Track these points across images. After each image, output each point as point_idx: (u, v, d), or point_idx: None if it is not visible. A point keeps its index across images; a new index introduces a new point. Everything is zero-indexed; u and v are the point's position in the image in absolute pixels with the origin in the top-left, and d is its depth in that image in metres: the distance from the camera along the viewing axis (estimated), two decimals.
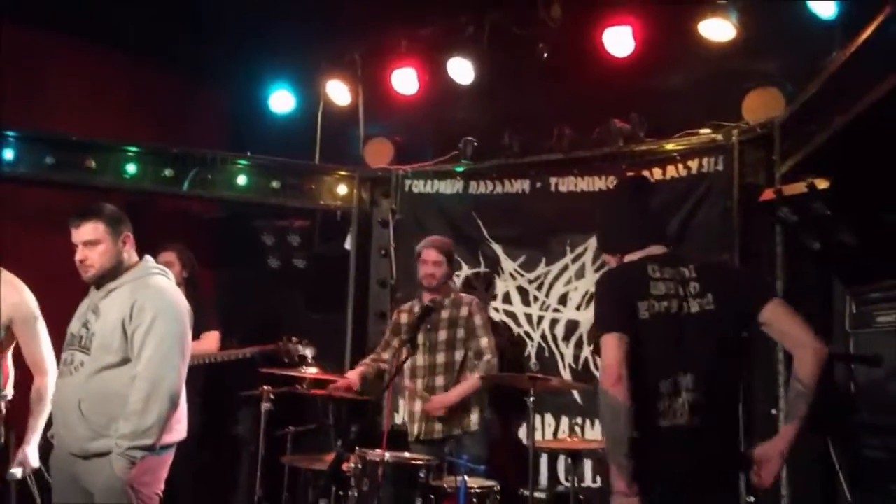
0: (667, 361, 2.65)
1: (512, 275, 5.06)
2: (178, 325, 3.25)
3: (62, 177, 4.94)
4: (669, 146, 4.66)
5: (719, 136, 4.53)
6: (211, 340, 4.87)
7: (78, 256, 3.30)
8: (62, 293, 4.09)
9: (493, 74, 5.03)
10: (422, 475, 3.80)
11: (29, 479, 3.62)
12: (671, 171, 4.65)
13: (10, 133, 4.79)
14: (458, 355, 4.43)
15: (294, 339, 4.65)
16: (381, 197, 5.56)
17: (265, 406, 4.39)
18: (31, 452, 3.61)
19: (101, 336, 3.20)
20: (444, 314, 4.47)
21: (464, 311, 4.46)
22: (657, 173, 4.69)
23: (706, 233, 4.51)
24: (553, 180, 4.96)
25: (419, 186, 5.40)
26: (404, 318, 4.63)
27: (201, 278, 5.08)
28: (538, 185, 5.01)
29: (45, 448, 3.56)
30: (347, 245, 5.54)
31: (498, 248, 5.10)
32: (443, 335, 4.47)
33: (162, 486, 3.30)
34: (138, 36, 5.34)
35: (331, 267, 5.55)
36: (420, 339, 4.41)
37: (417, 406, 4.50)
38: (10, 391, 3.71)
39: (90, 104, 5.40)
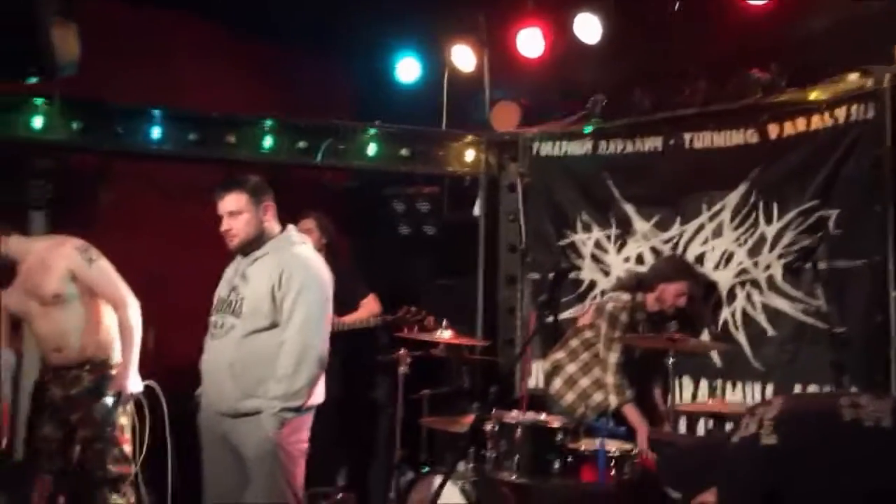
0: None
1: (645, 235, 4.94)
2: (324, 293, 3.40)
3: (204, 152, 5.16)
4: (813, 95, 4.40)
5: (869, 82, 4.23)
6: (371, 304, 5.00)
7: (223, 226, 3.46)
8: (206, 262, 4.32)
9: (622, 29, 4.88)
10: (559, 437, 3.80)
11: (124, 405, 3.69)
12: (816, 121, 4.39)
13: (157, 111, 5.03)
14: None
15: (414, 309, 4.71)
16: (509, 161, 5.54)
17: (402, 370, 4.48)
18: (127, 380, 3.66)
19: (251, 301, 3.36)
20: None
21: None
22: (800, 124, 4.44)
23: (855, 186, 4.24)
24: (687, 136, 4.78)
25: (547, 149, 5.34)
26: (624, 317, 4.33)
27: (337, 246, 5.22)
28: (671, 141, 4.85)
29: (193, 407, 3.76)
30: (476, 211, 5.56)
31: (630, 209, 4.99)
32: None
33: (306, 444, 3.45)
34: (266, 12, 5.49)
35: (460, 233, 5.59)
36: None
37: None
38: (116, 355, 3.81)
39: (224, 81, 5.61)
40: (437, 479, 4.01)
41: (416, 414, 4.58)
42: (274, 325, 3.35)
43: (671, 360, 3.88)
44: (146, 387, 3.77)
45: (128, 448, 3.74)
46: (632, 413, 4.18)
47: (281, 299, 3.33)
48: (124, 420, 3.73)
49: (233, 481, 3.37)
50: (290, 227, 3.59)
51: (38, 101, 4.77)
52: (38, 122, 4.81)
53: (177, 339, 4.48)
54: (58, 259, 3.69)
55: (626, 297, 4.39)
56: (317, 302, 3.35)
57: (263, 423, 3.26)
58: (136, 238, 5.17)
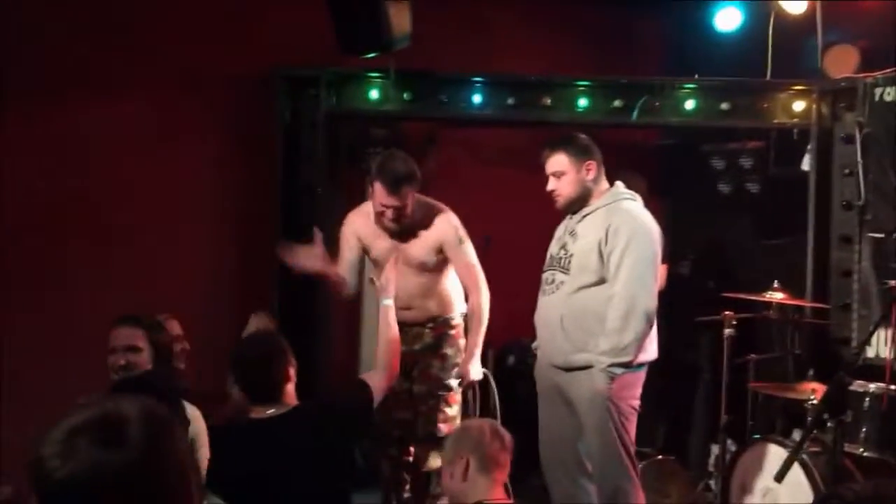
0: None
1: None
2: (651, 247, 3.35)
3: (521, 115, 5.28)
4: None
5: None
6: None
7: (548, 187, 3.54)
8: (526, 223, 4.44)
9: None
10: None
11: (472, 390, 3.78)
12: None
13: (477, 79, 5.24)
14: None
15: None
16: (844, 111, 5.04)
17: (728, 332, 4.30)
18: (471, 366, 3.74)
19: (579, 257, 3.41)
20: None
21: None
22: None
23: None
24: None
25: (892, 94, 4.79)
26: None
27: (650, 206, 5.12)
28: None
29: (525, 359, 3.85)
30: (805, 165, 5.14)
31: None
32: None
33: (638, 402, 3.44)
34: None
35: (786, 190, 5.22)
36: None
37: None
38: (456, 315, 3.87)
39: (536, 43, 5.71)
40: (769, 447, 3.84)
41: (739, 379, 4.39)
42: (602, 281, 3.38)
43: None
44: (483, 374, 3.83)
45: (457, 409, 3.78)
46: None
47: (608, 254, 3.35)
48: (454, 382, 3.79)
49: (566, 430, 3.47)
50: (619, 183, 3.59)
51: (374, 74, 5.17)
52: (374, 94, 5.21)
53: (501, 297, 4.69)
54: (434, 231, 3.77)
55: None
56: (644, 257, 3.32)
57: (594, 377, 3.31)
58: (461, 201, 5.46)
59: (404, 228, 3.75)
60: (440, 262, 3.80)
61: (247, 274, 5.16)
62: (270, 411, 2.73)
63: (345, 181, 5.42)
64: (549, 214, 3.78)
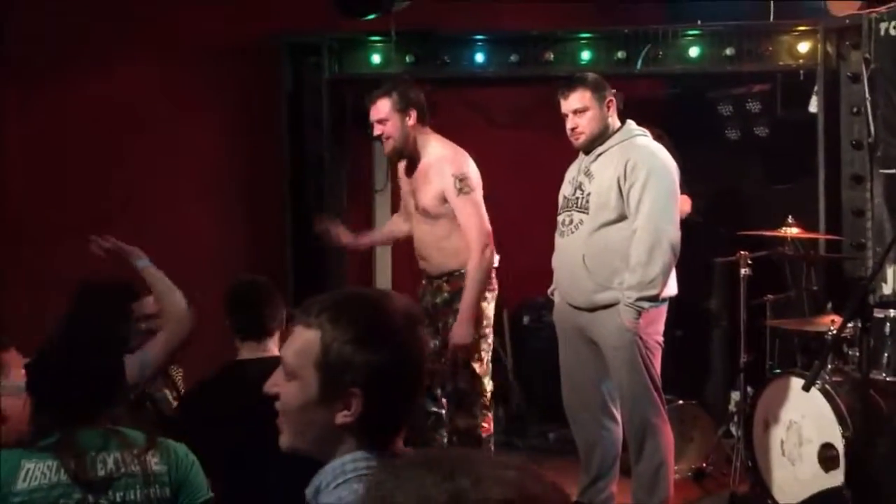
0: None
1: None
2: (671, 179, 3.35)
3: (525, 72, 5.25)
4: None
5: None
6: (684, 202, 4.86)
7: (569, 125, 3.51)
8: (535, 178, 4.41)
9: None
10: None
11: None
12: None
13: (479, 37, 5.21)
14: None
15: None
16: (850, 49, 5.01)
17: (744, 271, 4.29)
18: (459, 329, 3.56)
19: (598, 195, 3.41)
20: None
21: None
22: None
23: None
24: None
25: None
26: None
27: None
28: None
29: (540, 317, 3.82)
30: (812, 107, 5.12)
31: None
32: None
33: (661, 337, 3.45)
34: None
35: (794, 132, 5.20)
36: None
37: None
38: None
39: None
40: (791, 380, 3.84)
41: (756, 322, 4.38)
42: (622, 218, 3.38)
43: None
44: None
45: (479, 368, 3.66)
46: None
47: (627, 190, 3.34)
48: (484, 345, 3.68)
49: (590, 372, 3.47)
50: (629, 121, 3.57)
51: (376, 38, 5.14)
52: (376, 58, 5.19)
53: (511, 258, 4.68)
54: (437, 177, 3.63)
55: None
56: (664, 189, 3.32)
57: (621, 314, 3.30)
58: None
59: (409, 166, 3.73)
60: (452, 213, 3.63)
61: (256, 243, 5.15)
62: (258, 354, 2.68)
63: (350, 147, 5.41)
64: (556, 173, 3.79)
